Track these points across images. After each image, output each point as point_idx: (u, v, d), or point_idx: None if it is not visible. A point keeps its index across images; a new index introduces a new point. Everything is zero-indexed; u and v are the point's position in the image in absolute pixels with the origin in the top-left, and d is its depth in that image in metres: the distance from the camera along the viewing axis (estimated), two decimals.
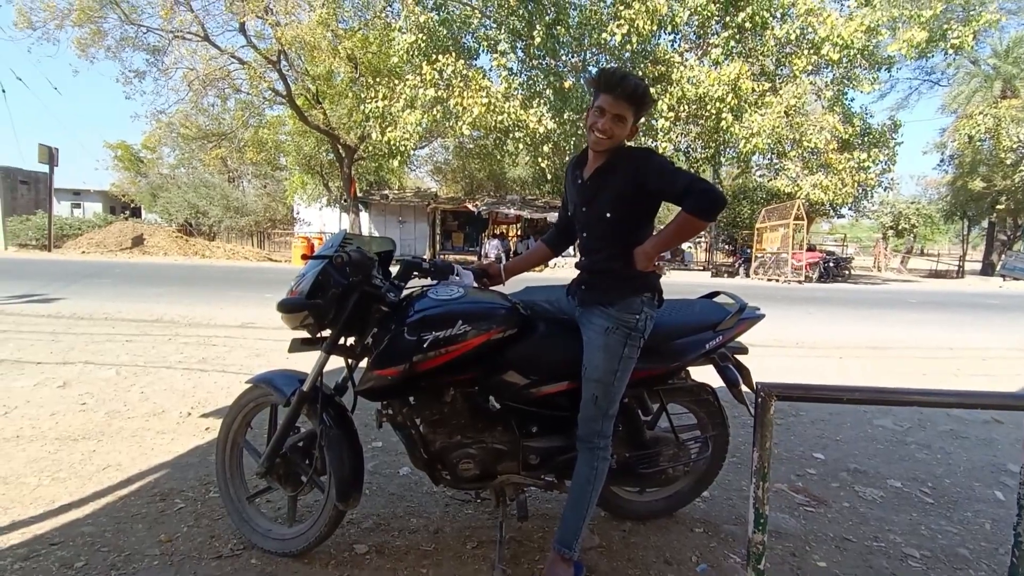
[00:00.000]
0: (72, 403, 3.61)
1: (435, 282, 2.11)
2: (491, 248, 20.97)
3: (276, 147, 23.80)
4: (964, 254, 30.58)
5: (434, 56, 14.40)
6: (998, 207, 25.65)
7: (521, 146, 15.58)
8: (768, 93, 16.01)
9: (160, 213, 29.61)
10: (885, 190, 20.74)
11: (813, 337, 6.99)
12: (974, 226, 31.96)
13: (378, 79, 15.74)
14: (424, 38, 14.51)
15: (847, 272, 21.26)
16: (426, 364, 1.90)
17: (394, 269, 2.15)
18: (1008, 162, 22.27)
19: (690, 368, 2.31)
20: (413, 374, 1.90)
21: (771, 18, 15.49)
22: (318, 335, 2.05)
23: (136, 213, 35.32)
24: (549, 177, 18.46)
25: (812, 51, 15.46)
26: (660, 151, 17.49)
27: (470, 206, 24.79)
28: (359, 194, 23.65)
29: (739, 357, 2.35)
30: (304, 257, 2.03)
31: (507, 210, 24.88)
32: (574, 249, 2.23)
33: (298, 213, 29.42)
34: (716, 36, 16.11)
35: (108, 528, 2.25)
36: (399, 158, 16.00)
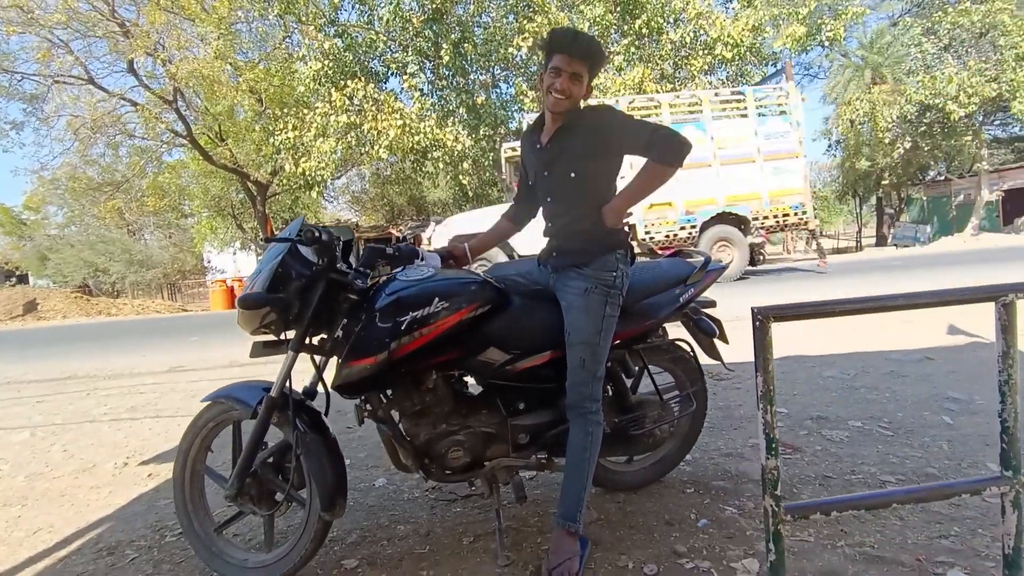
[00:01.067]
0: None
1: (400, 268, 2.01)
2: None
3: (180, 192, 22.53)
4: (860, 229, 33.19)
5: (342, 82, 14.16)
6: (883, 183, 28.04)
7: (441, 165, 15.52)
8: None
9: (53, 276, 27.29)
10: None
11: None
12: (864, 203, 34.74)
13: (285, 110, 15.26)
14: (330, 64, 14.26)
15: (761, 257, 22.48)
16: (405, 348, 1.79)
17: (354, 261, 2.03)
18: (886, 141, 24.39)
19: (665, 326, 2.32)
20: (392, 361, 1.78)
21: (665, 23, 16.34)
22: (282, 336, 1.89)
23: (23, 280, 32.45)
24: (470, 195, 18.46)
25: (706, 52, 16.40)
26: None
27: (394, 231, 24.42)
28: (275, 232, 22.75)
29: (708, 311, 2.38)
30: (266, 240, 1.87)
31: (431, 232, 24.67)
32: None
33: (209, 261, 27.87)
34: (616, 44, 16.80)
35: None
36: (316, 188, 15.53)
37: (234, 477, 1.86)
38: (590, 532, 2.07)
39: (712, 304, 2.42)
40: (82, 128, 16.79)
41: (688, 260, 2.32)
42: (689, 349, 2.33)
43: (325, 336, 1.89)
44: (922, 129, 24.45)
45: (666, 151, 1.78)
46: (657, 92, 15.93)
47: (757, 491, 2.35)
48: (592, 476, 1.90)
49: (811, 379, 4.03)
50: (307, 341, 1.87)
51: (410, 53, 15.45)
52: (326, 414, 1.96)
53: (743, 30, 15.64)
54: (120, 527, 2.45)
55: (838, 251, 30.61)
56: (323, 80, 14.32)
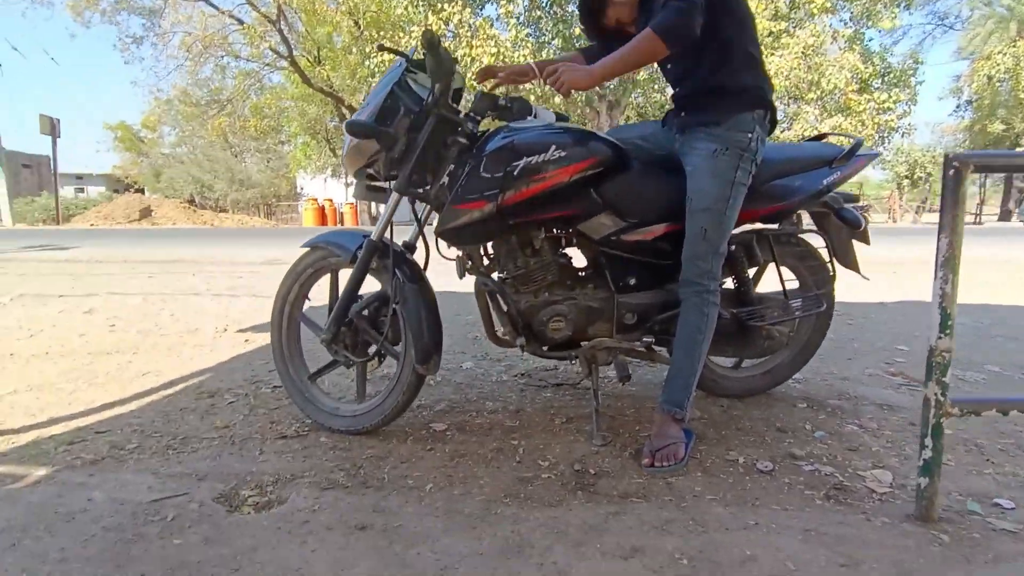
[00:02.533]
0: (100, 326, 3.41)
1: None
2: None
3: (279, 113, 23.29)
4: (982, 201, 29.93)
5: (439, 5, 13.87)
6: (1018, 149, 24.95)
7: (532, 98, 15.10)
8: (784, 35, 15.41)
9: (164, 191, 29.30)
10: (903, 136, 20.14)
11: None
12: (990, 175, 31.24)
13: (381, 33, 15.21)
14: None
15: (865, 221, 20.76)
16: (514, 197, 1.64)
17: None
18: None
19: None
20: (500, 210, 1.65)
21: None
22: (387, 180, 1.80)
23: (141, 193, 35.08)
24: None
25: None
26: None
27: None
28: None
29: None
30: (380, 48, 1.74)
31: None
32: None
33: (301, 188, 28.99)
34: None
35: (157, 419, 2.04)
36: None
37: (330, 322, 1.83)
38: (695, 428, 1.92)
39: (856, 199, 2.12)
40: (194, 46, 17.51)
41: (835, 144, 2.03)
42: (828, 240, 2.06)
43: (430, 183, 1.78)
44: None
45: (666, 19, 1.49)
46: (771, 32, 14.64)
47: (880, 414, 2.11)
48: (703, 361, 1.73)
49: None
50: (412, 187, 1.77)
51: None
52: (426, 267, 1.87)
53: None
54: (220, 377, 2.53)
55: None
56: (420, 3, 14.08)
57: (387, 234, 1.78)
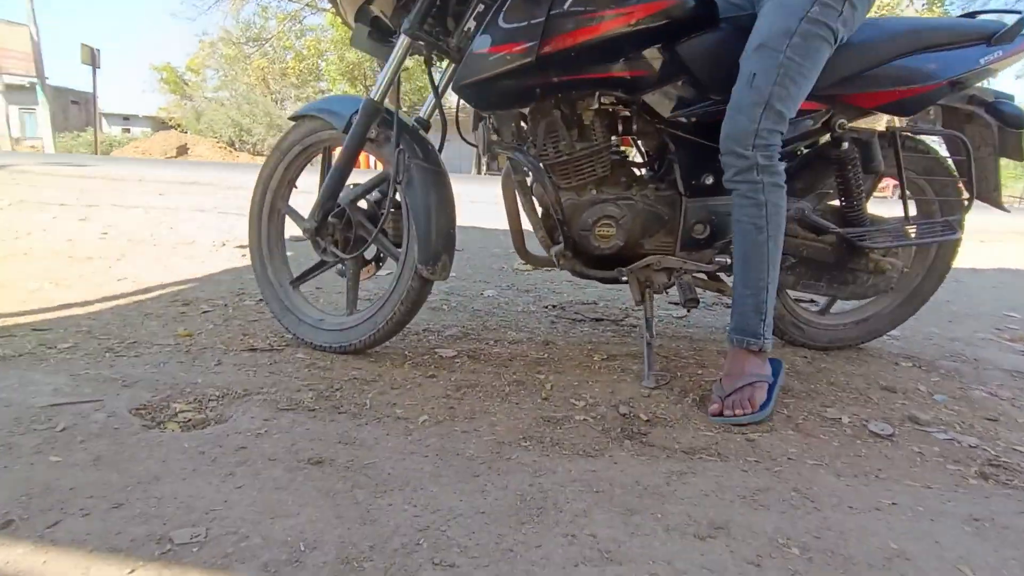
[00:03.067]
0: (91, 233, 3.09)
1: None
2: None
3: (318, 55, 22.80)
4: None
5: None
6: None
7: None
8: None
9: (204, 133, 29.33)
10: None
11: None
12: None
13: None
14: None
15: None
16: (563, 41, 1.20)
17: None
18: None
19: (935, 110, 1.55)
20: (541, 58, 1.20)
21: None
22: (395, 25, 1.36)
23: (184, 134, 35.29)
24: None
25: None
26: None
27: None
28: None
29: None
30: None
31: None
32: None
33: None
34: None
35: (112, 322, 1.70)
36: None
37: (315, 206, 1.43)
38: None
39: (1010, 99, 1.60)
40: None
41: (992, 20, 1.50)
42: (965, 147, 1.55)
43: (452, 30, 1.34)
44: None
45: None
46: None
47: (1010, 381, 1.64)
48: (773, 272, 1.24)
49: None
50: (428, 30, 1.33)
51: None
52: (441, 148, 1.45)
53: None
54: (202, 287, 2.18)
55: None
56: None
57: (391, 94, 1.35)
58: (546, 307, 2.06)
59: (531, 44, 1.19)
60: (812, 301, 1.94)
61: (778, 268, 1.24)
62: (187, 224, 3.47)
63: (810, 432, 1.19)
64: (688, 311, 1.51)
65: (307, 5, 19.08)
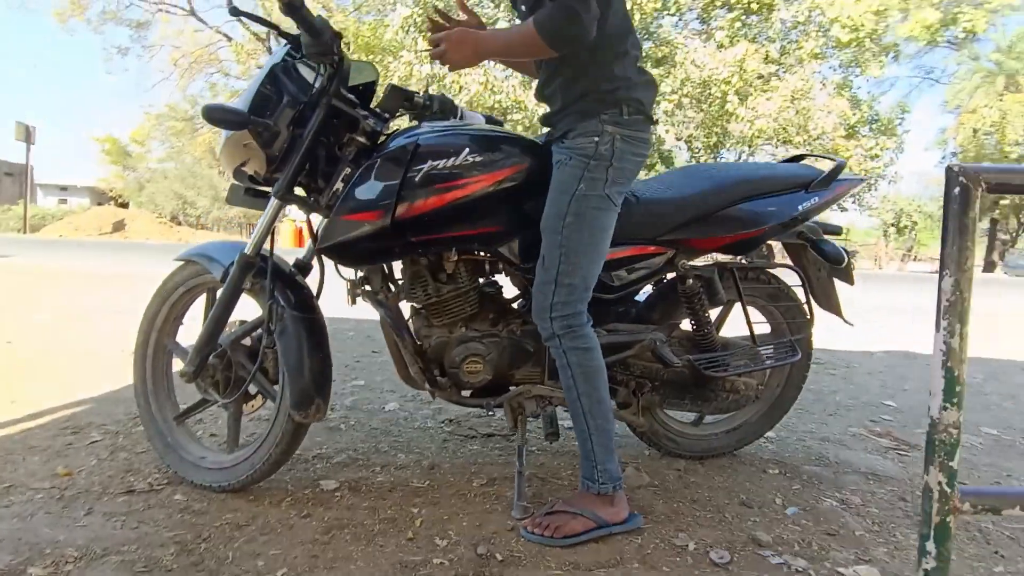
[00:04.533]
0: None
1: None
2: None
3: None
4: None
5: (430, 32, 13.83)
6: (1001, 203, 25.29)
7: (520, 128, 15.01)
8: (774, 77, 15.53)
9: (147, 205, 28.87)
10: (889, 183, 20.28)
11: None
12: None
13: (371, 56, 15.14)
14: (420, 12, 13.94)
15: (852, 268, 20.74)
16: (415, 209, 1.33)
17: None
18: (1012, 156, 21.91)
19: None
20: (397, 223, 1.33)
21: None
22: (268, 184, 1.47)
23: (124, 207, 34.61)
24: None
25: (820, 34, 15.01)
26: (662, 140, 16.97)
27: None
28: None
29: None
30: (233, 12, 1.41)
31: None
32: None
33: (287, 211, 28.66)
34: (721, 19, 15.64)
35: None
36: None
37: (194, 351, 1.48)
38: (640, 498, 1.58)
39: (837, 232, 1.83)
40: (182, 60, 17.35)
41: (813, 166, 1.74)
42: (803, 279, 1.75)
43: (322, 188, 1.46)
44: None
45: (551, 19, 1.20)
46: (760, 75, 14.71)
47: (864, 485, 1.78)
48: (598, 421, 1.37)
49: (926, 378, 3.31)
50: (298, 193, 1.45)
51: (500, 8, 14.92)
52: (318, 295, 1.54)
53: (865, 12, 14.14)
54: (98, 409, 2.16)
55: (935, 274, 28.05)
56: (411, 28, 14.04)
57: (266, 248, 1.45)
58: (443, 422, 2.13)
59: (386, 212, 1.31)
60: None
61: (602, 418, 1.36)
62: (98, 331, 3.41)
63: (654, 564, 1.27)
64: (550, 441, 1.59)
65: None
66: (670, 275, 1.64)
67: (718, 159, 19.30)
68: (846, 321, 1.88)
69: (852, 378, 3.21)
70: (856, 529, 1.50)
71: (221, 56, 18.14)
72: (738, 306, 1.72)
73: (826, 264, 1.71)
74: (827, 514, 1.57)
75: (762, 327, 1.82)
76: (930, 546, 0.96)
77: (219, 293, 1.46)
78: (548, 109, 1.43)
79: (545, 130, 1.48)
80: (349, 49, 14.36)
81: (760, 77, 14.66)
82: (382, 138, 1.46)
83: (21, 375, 2.52)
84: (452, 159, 1.33)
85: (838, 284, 1.82)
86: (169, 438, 1.60)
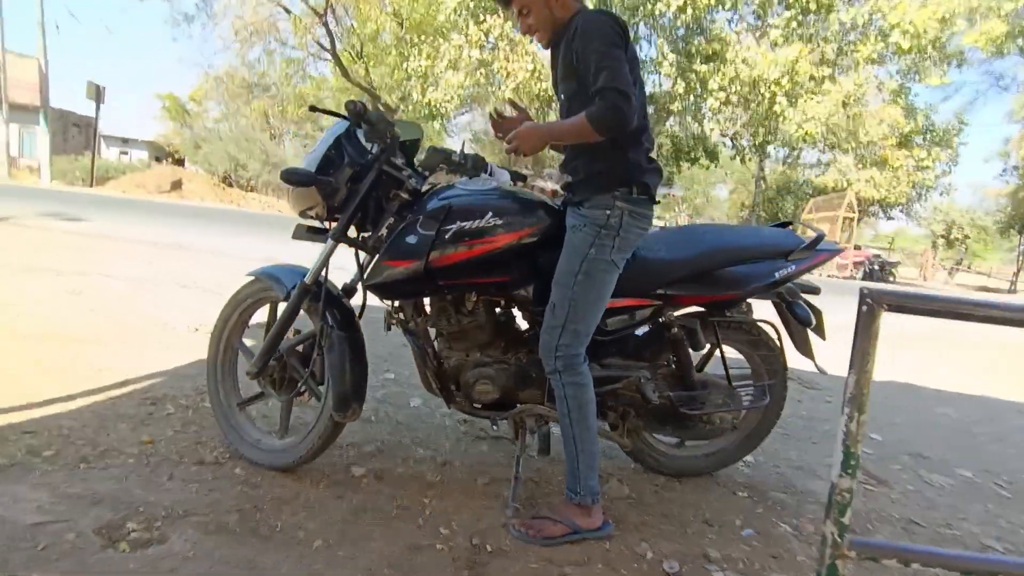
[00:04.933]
0: (78, 310, 3.45)
1: (464, 179, 1.83)
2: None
3: (318, 101, 23.67)
4: (1019, 270, 29.03)
5: (481, 16, 13.99)
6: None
7: (552, 116, 15.11)
8: (827, 80, 15.19)
9: (201, 164, 29.93)
10: (941, 195, 19.68)
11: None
12: None
13: (423, 37, 15.39)
14: None
15: (892, 277, 20.32)
16: (444, 260, 1.62)
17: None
18: None
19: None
20: (429, 270, 1.62)
21: (838, 0, 14.63)
22: (327, 224, 1.79)
23: (180, 163, 35.87)
24: None
25: (880, 38, 14.57)
26: (707, 135, 16.81)
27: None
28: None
29: (808, 298, 2.01)
30: (312, 109, 1.74)
31: (543, 183, 24.41)
32: None
33: None
34: (777, 17, 15.31)
35: (90, 424, 2.05)
36: (439, 120, 15.70)
37: (259, 355, 1.82)
38: (616, 508, 1.86)
39: (815, 291, 2.05)
40: (242, 30, 17.91)
41: (796, 234, 1.96)
42: (775, 336, 2.00)
43: (370, 232, 1.77)
44: None
45: (600, 113, 1.46)
46: (812, 77, 14.39)
47: (821, 515, 2.01)
48: (586, 445, 1.65)
49: (919, 412, 3.48)
50: (351, 234, 1.76)
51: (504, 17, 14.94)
52: (360, 316, 1.85)
53: (929, 18, 13.65)
54: (171, 383, 2.54)
55: (985, 289, 27.07)
56: (464, 12, 14.21)
57: (322, 276, 1.76)
58: (458, 421, 2.44)
59: (420, 261, 1.61)
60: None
61: (589, 442, 1.64)
62: (167, 303, 3.84)
63: (615, 567, 1.56)
64: (540, 456, 1.88)
65: (311, 54, 19.94)
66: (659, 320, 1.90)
67: (763, 159, 18.98)
68: (819, 368, 2.11)
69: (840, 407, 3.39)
70: (799, 555, 1.75)
71: (280, 27, 18.67)
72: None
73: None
74: (778, 538, 1.83)
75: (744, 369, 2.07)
76: None
77: (280, 309, 1.79)
78: (570, 179, 1.70)
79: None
80: (402, 29, 14.67)
81: (812, 79, 14.38)
82: (424, 188, 1.76)
83: (105, 345, 2.93)
84: (478, 221, 1.61)
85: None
86: (232, 420, 1.95)
